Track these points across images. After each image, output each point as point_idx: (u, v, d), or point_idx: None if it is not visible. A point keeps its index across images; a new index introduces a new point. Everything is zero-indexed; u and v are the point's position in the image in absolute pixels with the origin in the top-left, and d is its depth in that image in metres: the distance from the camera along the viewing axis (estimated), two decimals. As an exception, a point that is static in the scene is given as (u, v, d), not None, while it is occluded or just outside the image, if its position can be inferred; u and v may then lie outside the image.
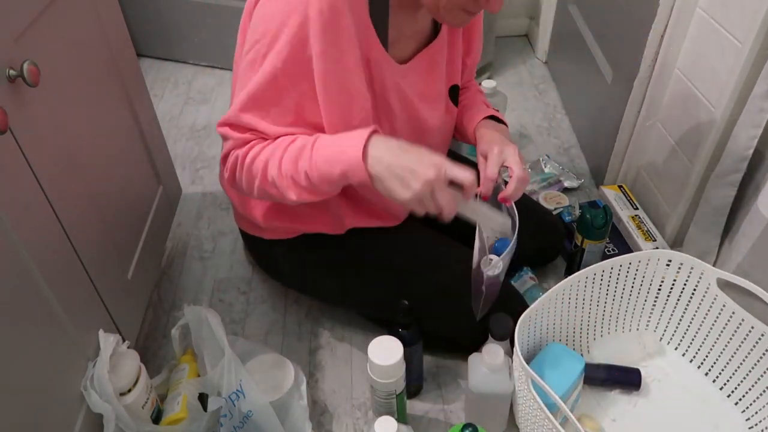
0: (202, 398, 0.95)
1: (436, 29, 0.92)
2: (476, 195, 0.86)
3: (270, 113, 0.80)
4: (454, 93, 1.00)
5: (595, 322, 1.05)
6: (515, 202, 0.89)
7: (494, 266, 0.86)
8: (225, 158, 0.86)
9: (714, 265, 1.00)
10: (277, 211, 1.00)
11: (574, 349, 1.04)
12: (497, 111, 1.04)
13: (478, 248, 0.86)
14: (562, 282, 0.94)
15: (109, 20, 1.02)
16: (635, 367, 1.00)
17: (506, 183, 0.89)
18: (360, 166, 0.74)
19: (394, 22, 0.83)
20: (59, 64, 0.83)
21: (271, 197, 0.84)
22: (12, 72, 0.69)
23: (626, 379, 0.99)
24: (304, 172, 0.78)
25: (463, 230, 1.07)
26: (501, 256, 0.86)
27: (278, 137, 0.81)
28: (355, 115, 0.83)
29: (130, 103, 1.08)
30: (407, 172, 0.73)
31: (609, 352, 1.04)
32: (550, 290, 0.92)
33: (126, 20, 1.09)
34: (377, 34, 0.82)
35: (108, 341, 0.85)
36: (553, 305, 0.96)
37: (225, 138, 0.85)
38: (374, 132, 0.77)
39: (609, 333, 1.07)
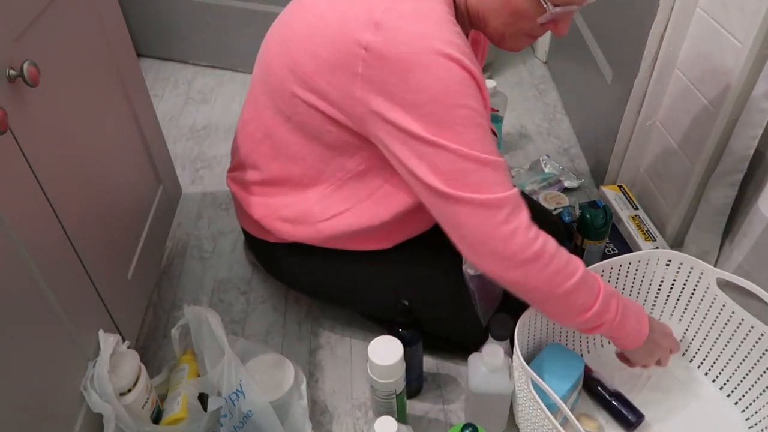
0: (202, 398, 0.95)
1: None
2: None
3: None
4: None
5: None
6: None
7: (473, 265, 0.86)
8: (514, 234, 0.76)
9: (715, 265, 1.01)
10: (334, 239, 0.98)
11: (573, 349, 1.04)
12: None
13: None
14: None
15: (109, 20, 1.02)
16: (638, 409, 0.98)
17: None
18: (643, 336, 0.86)
19: None
20: (59, 64, 0.83)
21: (557, 300, 0.80)
22: (12, 72, 0.69)
23: (622, 415, 0.95)
24: (611, 314, 0.82)
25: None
26: None
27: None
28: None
29: (130, 103, 1.08)
30: (650, 353, 0.90)
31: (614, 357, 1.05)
32: None
33: (126, 20, 1.09)
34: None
35: (108, 341, 0.85)
36: None
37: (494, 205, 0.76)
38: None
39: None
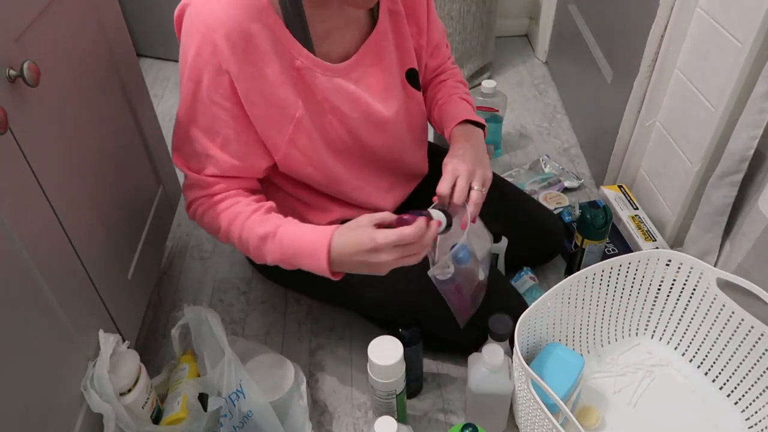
0: (202, 398, 0.95)
1: (374, 19, 0.91)
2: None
3: (212, 135, 0.84)
4: (413, 77, 0.98)
5: (595, 322, 1.05)
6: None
7: (441, 269, 0.86)
8: (189, 205, 0.91)
9: (715, 266, 1.01)
10: None
11: (573, 348, 1.04)
12: (472, 109, 1.03)
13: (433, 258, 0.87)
14: (562, 282, 0.94)
15: (109, 20, 1.02)
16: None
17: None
18: (325, 271, 0.82)
19: (313, 23, 0.83)
20: (59, 64, 0.83)
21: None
22: (12, 72, 0.69)
23: None
24: (271, 260, 0.86)
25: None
26: (446, 258, 0.85)
27: (230, 197, 0.87)
28: (286, 126, 0.85)
29: (130, 102, 1.08)
30: (364, 267, 0.80)
31: (614, 357, 1.05)
32: (549, 290, 0.93)
33: (126, 20, 1.09)
34: (300, 41, 0.82)
35: (108, 341, 0.85)
36: (553, 305, 0.96)
37: (184, 175, 0.90)
38: (330, 241, 0.80)
39: (610, 334, 1.07)
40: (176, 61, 2.06)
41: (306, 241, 0.82)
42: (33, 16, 0.77)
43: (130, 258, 1.03)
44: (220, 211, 0.86)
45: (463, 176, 0.88)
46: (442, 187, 0.88)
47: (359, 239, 0.78)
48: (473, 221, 0.88)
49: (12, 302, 0.69)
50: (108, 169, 0.97)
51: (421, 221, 0.77)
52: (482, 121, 1.00)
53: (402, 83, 0.96)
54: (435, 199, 0.88)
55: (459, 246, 0.84)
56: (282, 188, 0.98)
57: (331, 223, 0.97)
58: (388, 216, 0.80)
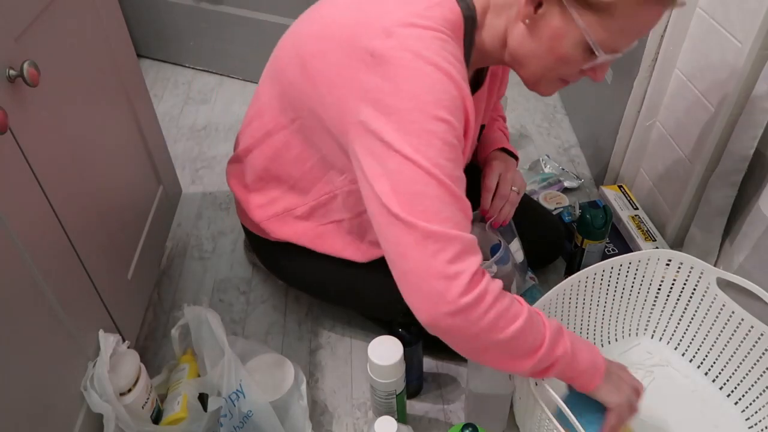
0: (202, 398, 0.95)
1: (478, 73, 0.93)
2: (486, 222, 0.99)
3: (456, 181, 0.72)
4: (480, 132, 1.04)
5: (595, 321, 1.05)
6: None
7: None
8: (456, 278, 0.67)
9: (715, 265, 1.01)
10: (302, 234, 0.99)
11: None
12: (507, 140, 1.09)
13: None
14: (562, 282, 0.94)
15: (109, 20, 1.02)
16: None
17: None
18: (600, 368, 0.78)
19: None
20: (59, 64, 0.83)
21: (505, 350, 0.72)
22: (12, 72, 0.69)
23: None
24: (556, 356, 0.74)
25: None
26: (490, 262, 0.88)
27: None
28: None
29: (130, 103, 1.08)
30: (621, 381, 0.81)
31: (614, 357, 1.05)
32: (550, 290, 0.92)
33: (126, 21, 1.09)
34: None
35: (108, 341, 0.85)
36: (554, 305, 0.96)
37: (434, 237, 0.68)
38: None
39: (610, 334, 1.07)
40: (176, 62, 2.08)
41: (587, 349, 0.78)
42: (33, 16, 0.77)
43: (130, 258, 1.03)
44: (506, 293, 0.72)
45: (506, 175, 0.99)
46: (490, 180, 0.98)
47: (627, 370, 0.84)
48: (506, 223, 0.95)
49: (12, 302, 0.69)
50: (108, 169, 0.97)
51: None
52: (516, 152, 1.06)
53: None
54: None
55: (502, 249, 0.89)
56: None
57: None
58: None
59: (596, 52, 0.72)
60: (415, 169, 0.67)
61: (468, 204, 0.72)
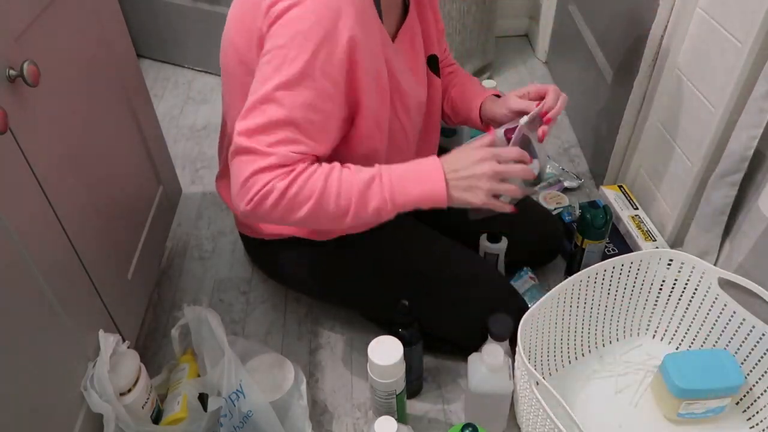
0: (202, 398, 0.95)
1: (406, 4, 0.93)
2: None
3: (312, 111, 0.77)
4: (434, 63, 0.99)
5: (597, 321, 1.05)
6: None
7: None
8: (261, 188, 0.76)
9: (715, 265, 1.00)
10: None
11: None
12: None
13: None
14: (563, 282, 0.94)
15: (109, 20, 1.02)
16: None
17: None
18: (442, 190, 0.80)
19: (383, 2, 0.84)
20: (59, 64, 0.83)
21: (311, 223, 0.81)
22: (12, 72, 0.69)
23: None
24: (373, 207, 0.79)
25: (453, 226, 1.07)
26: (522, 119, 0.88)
27: (313, 164, 0.79)
28: (386, 97, 0.85)
29: (130, 103, 1.08)
30: (470, 180, 0.79)
31: (615, 356, 1.05)
32: (551, 291, 0.92)
33: (126, 21, 1.09)
34: (378, 14, 0.82)
35: (108, 341, 0.85)
36: (555, 305, 0.96)
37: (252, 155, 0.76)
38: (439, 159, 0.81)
39: (611, 334, 1.07)
40: (176, 63, 2.08)
41: (415, 171, 0.80)
42: (33, 16, 0.77)
43: (130, 258, 1.03)
44: (310, 175, 0.77)
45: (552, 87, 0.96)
46: (537, 90, 0.97)
47: (467, 151, 0.81)
48: (552, 120, 0.93)
49: (12, 302, 0.69)
50: (108, 169, 0.97)
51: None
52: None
53: (425, 69, 0.98)
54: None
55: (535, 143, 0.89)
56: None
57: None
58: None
59: None
60: (265, 94, 0.75)
61: (313, 132, 0.78)
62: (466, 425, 0.76)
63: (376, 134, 0.88)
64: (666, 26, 1.14)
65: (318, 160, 0.81)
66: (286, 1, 0.73)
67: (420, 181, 0.80)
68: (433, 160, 0.81)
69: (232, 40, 0.84)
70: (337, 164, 0.80)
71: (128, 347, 0.89)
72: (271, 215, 0.78)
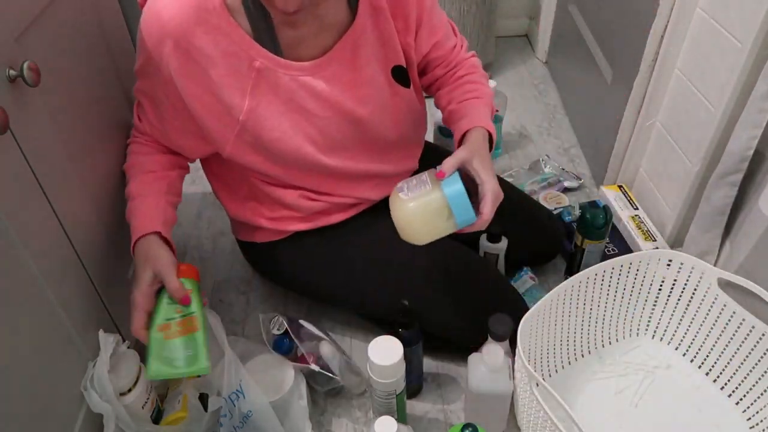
0: (203, 398, 0.95)
1: (353, 15, 0.89)
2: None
3: (151, 100, 0.91)
4: (399, 74, 0.95)
5: (596, 322, 1.05)
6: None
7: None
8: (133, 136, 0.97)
9: (714, 266, 1.00)
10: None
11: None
12: (489, 117, 0.96)
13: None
14: (563, 283, 0.94)
15: (109, 20, 1.02)
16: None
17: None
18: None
19: (282, 29, 0.83)
20: (59, 64, 0.83)
21: None
22: (12, 72, 0.69)
23: None
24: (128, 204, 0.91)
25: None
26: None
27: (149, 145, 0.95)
28: (233, 124, 0.86)
29: (131, 103, 1.08)
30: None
31: (615, 357, 1.05)
32: (551, 292, 0.92)
33: (126, 21, 1.09)
34: (263, 42, 0.82)
35: (108, 341, 0.85)
36: (555, 306, 0.96)
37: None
38: (148, 234, 0.88)
39: (611, 335, 1.07)
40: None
41: (139, 222, 0.89)
42: (33, 16, 0.77)
43: (130, 258, 1.02)
44: (135, 151, 0.95)
45: (480, 161, 0.84)
46: (447, 164, 0.81)
47: (139, 274, 0.86)
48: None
49: (12, 302, 0.69)
50: (108, 169, 0.97)
51: None
52: (491, 130, 0.93)
53: (387, 80, 0.94)
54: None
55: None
56: (247, 172, 0.98)
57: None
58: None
59: None
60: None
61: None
62: (466, 425, 0.76)
63: (251, 156, 0.91)
64: (666, 26, 1.14)
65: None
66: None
67: (134, 228, 0.90)
68: (150, 227, 0.89)
69: None
70: (147, 167, 0.93)
71: (128, 347, 0.89)
72: None
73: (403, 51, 0.95)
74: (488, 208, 0.80)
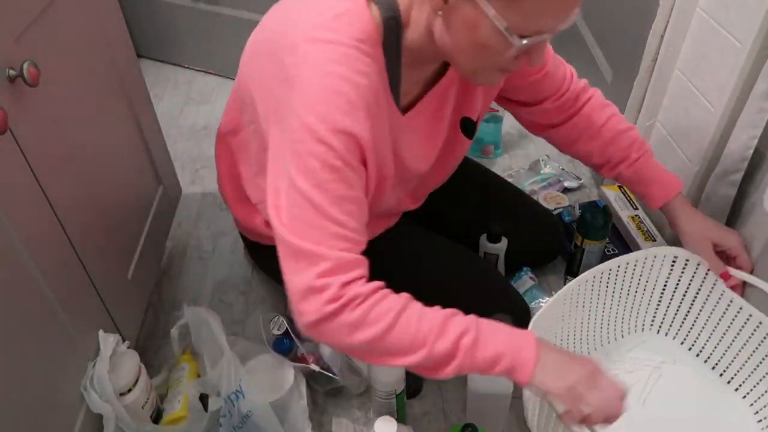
0: (203, 398, 0.95)
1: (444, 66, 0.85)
2: None
3: (341, 203, 0.71)
4: (467, 125, 0.93)
5: (602, 319, 1.04)
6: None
7: None
8: (320, 289, 0.69)
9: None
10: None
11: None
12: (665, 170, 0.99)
13: None
14: (569, 285, 0.94)
15: (109, 20, 1.02)
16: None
17: None
18: (529, 372, 0.72)
19: (405, 78, 0.78)
20: (59, 64, 0.83)
21: (368, 351, 0.73)
22: (12, 72, 0.69)
23: None
24: (465, 350, 0.73)
25: (453, 226, 1.07)
26: None
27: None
28: (389, 181, 0.82)
29: (130, 103, 1.08)
30: (583, 391, 0.71)
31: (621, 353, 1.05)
32: (557, 294, 0.92)
33: (126, 21, 1.09)
34: (393, 97, 0.78)
35: (108, 341, 0.85)
36: (562, 307, 0.96)
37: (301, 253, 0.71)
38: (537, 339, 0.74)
39: (616, 331, 1.07)
40: (176, 63, 2.08)
41: (508, 332, 0.74)
42: (33, 16, 0.77)
43: (130, 258, 1.03)
44: (388, 293, 0.73)
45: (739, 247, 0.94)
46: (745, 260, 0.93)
47: (580, 360, 0.73)
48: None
49: (12, 302, 0.69)
50: (108, 169, 0.97)
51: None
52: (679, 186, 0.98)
53: (454, 130, 0.92)
54: None
55: None
56: None
57: None
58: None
59: (510, 39, 0.65)
60: (295, 191, 0.69)
61: (354, 223, 0.71)
62: (466, 425, 0.76)
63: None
64: (666, 26, 1.14)
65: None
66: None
67: (510, 342, 0.74)
68: (527, 333, 0.74)
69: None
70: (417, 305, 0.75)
71: (128, 347, 0.89)
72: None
73: (483, 100, 0.92)
74: (745, 257, 0.93)
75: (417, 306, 0.73)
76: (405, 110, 0.82)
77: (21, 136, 0.71)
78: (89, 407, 0.81)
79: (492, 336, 0.74)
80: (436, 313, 0.73)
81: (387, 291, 0.73)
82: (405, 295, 0.74)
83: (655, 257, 1.01)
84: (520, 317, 1.01)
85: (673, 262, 1.01)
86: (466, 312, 0.98)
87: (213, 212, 1.46)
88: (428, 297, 0.99)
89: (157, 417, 0.93)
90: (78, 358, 0.82)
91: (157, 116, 1.23)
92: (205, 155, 1.64)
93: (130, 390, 0.86)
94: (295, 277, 0.71)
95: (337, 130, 0.68)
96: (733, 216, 1.04)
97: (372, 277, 1.02)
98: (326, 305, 0.69)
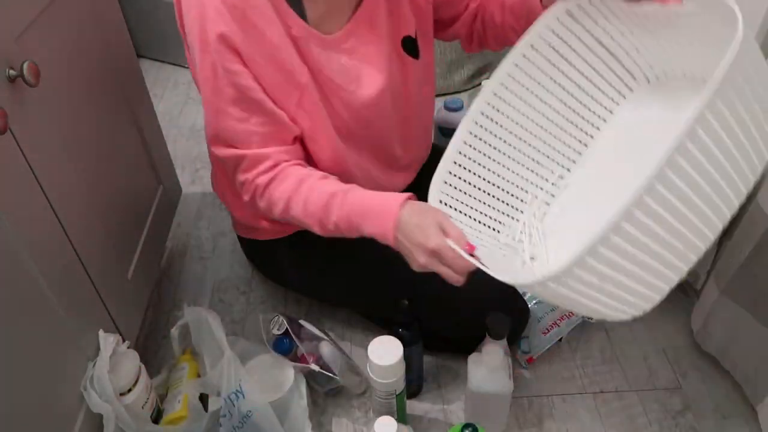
0: (203, 398, 0.95)
1: None
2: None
3: (243, 104, 0.81)
4: (409, 44, 0.93)
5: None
6: None
7: None
8: (242, 185, 0.86)
9: (713, 265, 1.00)
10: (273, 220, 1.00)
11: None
12: None
13: None
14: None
15: (109, 20, 1.02)
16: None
17: None
18: (389, 237, 0.77)
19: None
20: (59, 64, 0.83)
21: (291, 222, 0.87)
22: (12, 72, 0.69)
23: None
24: (333, 221, 0.81)
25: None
26: None
27: (293, 165, 0.85)
28: (294, 92, 0.83)
29: (130, 103, 1.08)
30: (414, 247, 0.75)
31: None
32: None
33: (126, 21, 1.09)
34: (296, 12, 0.80)
35: (108, 341, 0.85)
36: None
37: (229, 160, 0.85)
38: (407, 200, 0.77)
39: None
40: (176, 63, 2.08)
41: (375, 204, 0.79)
42: (33, 16, 0.77)
43: (130, 258, 1.03)
44: (287, 175, 0.83)
45: None
46: None
47: (426, 233, 0.74)
48: None
49: (12, 302, 0.69)
50: (108, 169, 0.97)
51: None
52: None
53: (397, 52, 0.92)
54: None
55: None
56: None
57: None
58: (460, 237, 0.73)
59: None
60: (206, 106, 0.83)
61: (260, 117, 0.82)
62: (466, 425, 0.76)
63: (307, 134, 0.87)
64: (666, 26, 1.14)
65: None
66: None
67: (374, 215, 0.79)
68: (393, 204, 0.77)
69: None
70: (313, 174, 0.84)
71: (128, 347, 0.89)
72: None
73: (420, 15, 0.93)
74: None
75: (304, 189, 0.82)
76: (325, 29, 0.84)
77: (21, 136, 0.71)
78: (89, 407, 0.81)
79: (359, 217, 0.80)
80: (319, 197, 0.82)
81: (281, 176, 0.83)
82: (295, 178, 0.83)
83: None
84: (520, 317, 1.02)
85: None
86: (467, 311, 0.99)
87: (213, 212, 1.46)
88: (427, 295, 0.99)
89: (157, 417, 0.93)
90: (78, 358, 0.82)
91: (157, 116, 1.23)
92: (205, 155, 1.63)
93: (130, 390, 0.86)
94: (233, 176, 0.87)
95: (215, 38, 0.76)
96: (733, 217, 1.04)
97: (374, 267, 1.00)
98: (246, 196, 0.87)
